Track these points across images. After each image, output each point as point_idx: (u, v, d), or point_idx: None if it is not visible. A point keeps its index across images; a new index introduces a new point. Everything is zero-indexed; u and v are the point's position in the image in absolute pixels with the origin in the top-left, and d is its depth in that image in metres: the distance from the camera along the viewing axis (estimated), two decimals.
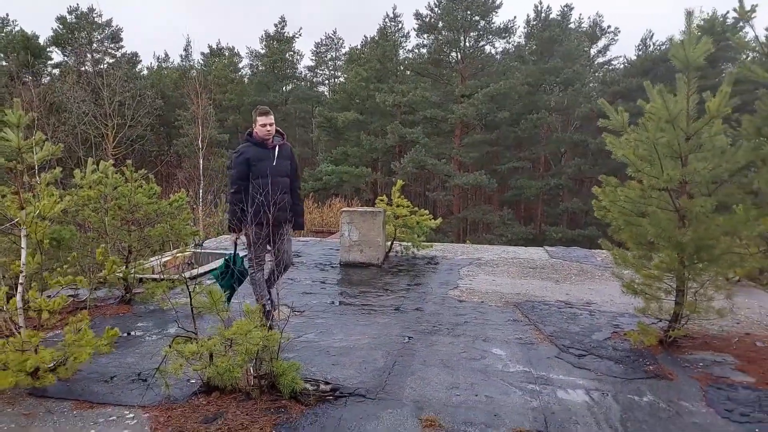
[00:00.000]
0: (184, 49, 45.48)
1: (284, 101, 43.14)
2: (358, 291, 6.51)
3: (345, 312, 5.62)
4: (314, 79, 47.39)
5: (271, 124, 4.66)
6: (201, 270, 7.20)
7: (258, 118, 4.69)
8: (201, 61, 46.22)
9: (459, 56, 35.12)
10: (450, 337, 4.84)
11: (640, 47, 37.52)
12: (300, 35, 44.15)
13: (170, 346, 3.39)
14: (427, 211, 8.47)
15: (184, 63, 46.66)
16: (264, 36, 43.97)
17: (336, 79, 45.62)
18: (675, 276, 4.71)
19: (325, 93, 45.14)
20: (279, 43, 43.18)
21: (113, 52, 40.48)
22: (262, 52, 44.08)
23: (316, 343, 4.63)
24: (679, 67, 4.66)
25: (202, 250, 8.47)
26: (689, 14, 4.82)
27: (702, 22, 26.38)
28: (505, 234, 30.80)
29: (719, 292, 4.66)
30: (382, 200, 8.39)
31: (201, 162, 21.18)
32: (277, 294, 4.63)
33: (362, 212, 7.96)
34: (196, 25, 76.67)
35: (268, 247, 4.75)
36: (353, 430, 3.15)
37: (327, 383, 3.69)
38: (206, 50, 46.25)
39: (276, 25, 43.52)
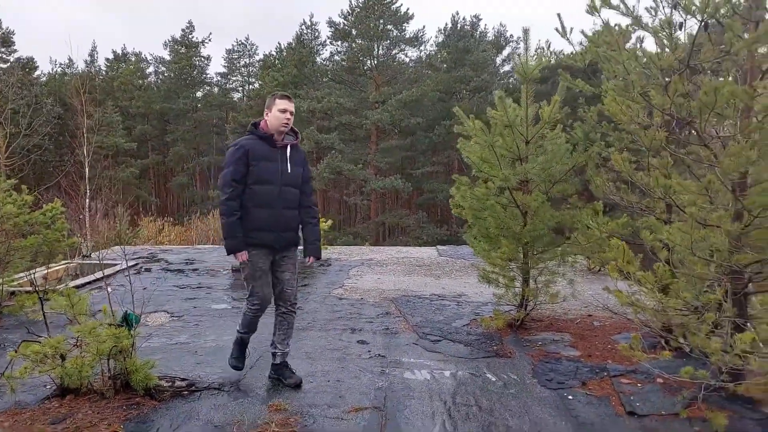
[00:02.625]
0: (89, 54, 43.13)
1: (194, 108, 42.04)
2: (243, 295, 6.66)
3: (224, 315, 5.77)
4: (227, 86, 46.50)
5: (292, 113, 3.62)
6: (82, 281, 7.06)
7: (277, 102, 3.59)
8: (105, 67, 44.15)
9: (373, 64, 35.85)
10: (320, 332, 5.13)
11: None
12: (210, 40, 43.33)
13: (16, 351, 3.43)
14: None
15: (89, 68, 44.40)
16: (170, 41, 42.66)
17: (250, 86, 45.04)
18: (520, 265, 5.28)
19: (237, 99, 44.40)
20: (186, 48, 42.09)
21: (5, 56, 37.81)
22: (168, 58, 42.76)
23: (187, 345, 4.77)
24: (520, 79, 5.26)
25: (89, 261, 8.27)
26: (526, 32, 5.44)
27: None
28: (421, 236, 31.73)
29: (555, 279, 5.28)
30: None
31: (87, 170, 20.31)
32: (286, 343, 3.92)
33: None
34: (102, 30, 72.83)
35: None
36: (201, 419, 3.35)
37: (184, 380, 3.86)
38: (110, 55, 44.13)
39: (183, 30, 42.38)
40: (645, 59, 3.12)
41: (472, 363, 4.43)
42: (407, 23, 35.42)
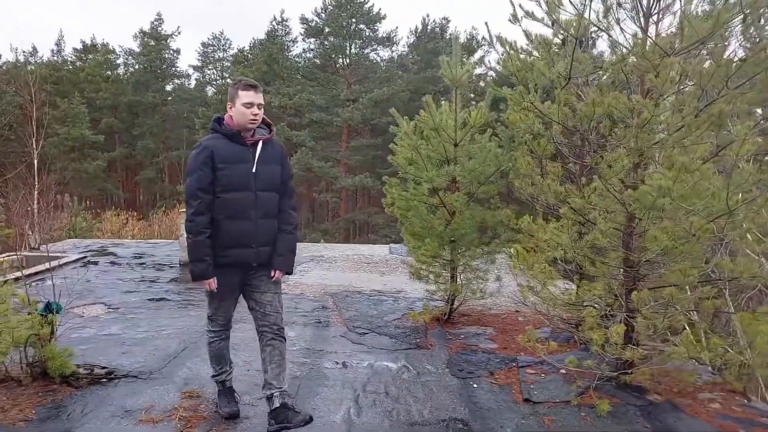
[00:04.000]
0: (56, 44, 42.19)
1: (163, 101, 41.52)
2: (185, 288, 6.78)
3: (161, 307, 5.87)
4: (201, 79, 46.03)
5: (260, 106, 3.00)
6: (27, 272, 7.05)
7: (241, 94, 2.96)
8: (73, 57, 43.23)
9: (345, 62, 35.93)
10: (251, 324, 5.26)
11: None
12: (178, 33, 42.72)
13: None
14: None
15: (55, 58, 43.42)
16: (139, 33, 42.06)
17: (224, 80, 44.64)
18: (448, 262, 5.51)
19: (211, 94, 43.98)
20: (156, 41, 41.54)
21: None
22: (138, 50, 42.13)
23: (117, 336, 4.86)
24: (449, 84, 5.49)
25: (36, 254, 8.24)
26: (456, 38, 5.67)
27: None
28: (389, 235, 31.95)
29: (481, 275, 5.52)
30: None
31: (36, 162, 20.01)
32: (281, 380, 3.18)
33: None
34: (69, 20, 71.07)
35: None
36: (113, 404, 3.47)
37: (103, 368, 3.98)
38: (79, 46, 43.24)
39: (152, 23, 41.81)
40: (536, 72, 3.36)
41: (392, 354, 4.64)
42: (379, 23, 35.61)
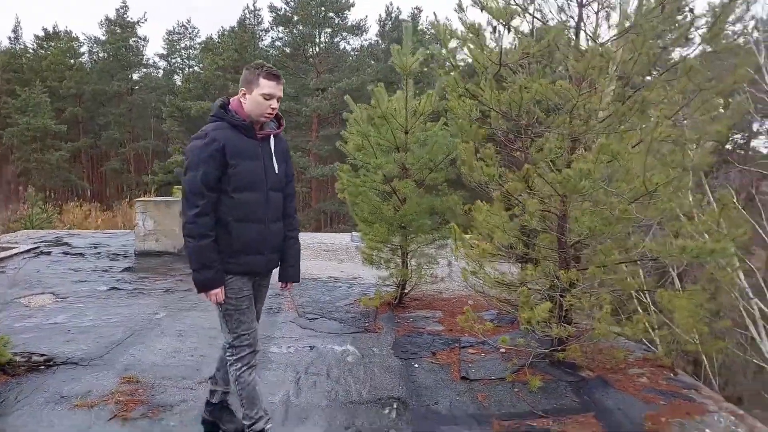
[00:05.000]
0: (13, 31, 40.77)
1: (129, 90, 40.62)
2: (138, 277, 6.72)
3: (111, 296, 5.82)
4: (167, 68, 45.09)
5: (279, 100, 2.66)
6: None
7: (262, 82, 2.58)
8: (34, 45, 41.86)
9: (315, 51, 35.63)
10: (202, 312, 5.29)
11: None
12: (145, 20, 41.77)
13: None
14: None
15: (13, 46, 42.00)
16: (104, 21, 40.95)
17: (190, 69, 43.83)
18: (398, 247, 5.60)
19: (179, 82, 43.15)
20: (122, 28, 40.51)
21: None
22: (103, 38, 41.04)
23: (61, 325, 4.81)
24: (400, 72, 5.53)
25: None
26: (407, 27, 5.71)
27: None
28: None
29: (431, 260, 5.63)
30: (179, 189, 8.58)
31: None
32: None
33: (156, 202, 8.13)
34: (26, 6, 68.50)
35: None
36: (49, 391, 3.46)
37: (42, 355, 3.95)
38: (40, 33, 41.87)
39: (117, 10, 40.72)
40: (471, 59, 3.44)
41: (339, 338, 4.71)
42: (348, 11, 35.36)
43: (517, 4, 3.16)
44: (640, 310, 3.71)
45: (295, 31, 35.42)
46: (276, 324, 5.01)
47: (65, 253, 8.09)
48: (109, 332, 4.62)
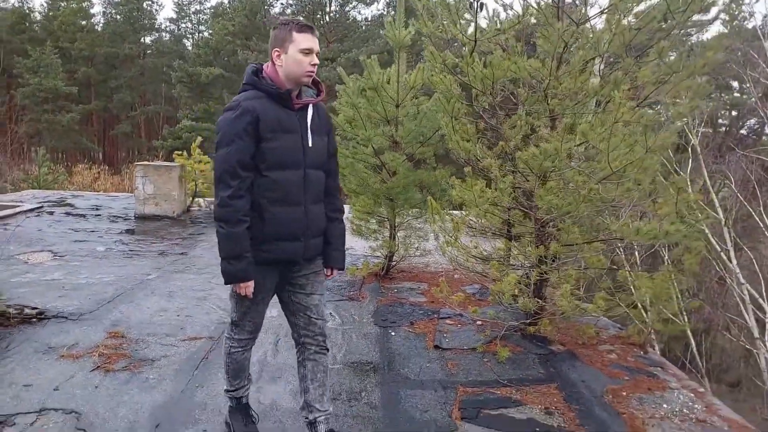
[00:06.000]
0: None
1: (141, 54, 40.49)
2: (135, 239, 6.91)
3: (107, 256, 6.01)
4: (176, 32, 44.78)
5: (318, 54, 2.37)
6: None
7: (296, 36, 2.30)
8: (45, 4, 41.68)
9: (325, 20, 35.22)
10: (194, 275, 5.45)
11: None
12: None
13: None
14: None
15: (21, 5, 41.85)
16: None
17: (200, 34, 43.53)
18: (386, 219, 5.71)
19: (189, 48, 42.92)
20: None
21: None
22: (117, 0, 40.77)
23: (57, 281, 5.01)
24: (393, 45, 5.56)
25: None
26: (401, 1, 5.70)
27: None
28: None
29: (419, 233, 5.74)
30: (180, 155, 8.72)
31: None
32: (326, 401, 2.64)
33: (157, 166, 8.28)
34: None
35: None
36: (38, 341, 3.65)
37: (34, 308, 4.14)
38: None
39: None
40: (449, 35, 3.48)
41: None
42: None
43: None
44: (613, 288, 3.80)
45: None
46: None
47: (68, 214, 8.29)
48: (101, 290, 4.81)
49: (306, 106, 2.41)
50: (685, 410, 3.30)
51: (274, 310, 4.59)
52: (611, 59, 3.43)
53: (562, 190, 3.27)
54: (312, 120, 2.42)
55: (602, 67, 3.93)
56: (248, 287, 2.37)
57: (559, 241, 3.61)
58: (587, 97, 3.47)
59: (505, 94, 3.52)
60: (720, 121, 26.45)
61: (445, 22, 3.40)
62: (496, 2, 3.91)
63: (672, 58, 3.10)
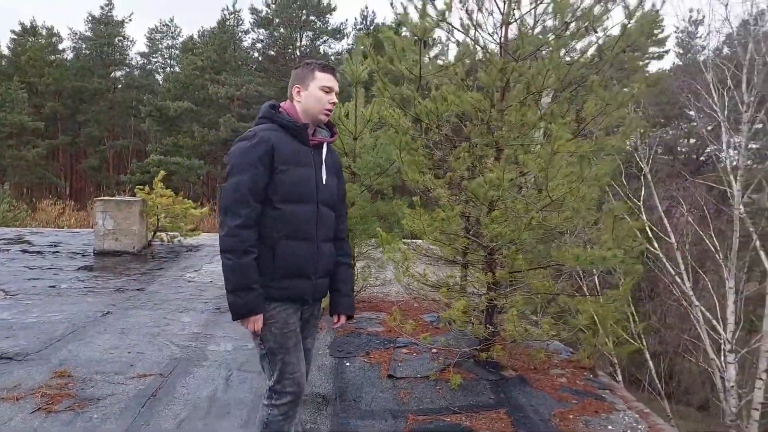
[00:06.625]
0: None
1: (112, 88, 40.30)
2: (92, 276, 6.79)
3: (61, 294, 5.89)
4: (148, 67, 44.81)
5: (337, 95, 2.41)
6: None
7: (318, 75, 2.34)
8: (13, 39, 41.32)
9: (296, 54, 35.75)
10: (149, 311, 5.38)
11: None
12: (130, 20, 41.50)
13: None
14: (191, 201, 8.93)
15: None
16: (89, 18, 40.60)
17: (171, 68, 43.65)
18: None
19: (159, 82, 42.93)
20: (106, 26, 40.21)
21: None
22: (88, 35, 40.70)
23: (5, 321, 4.88)
24: (351, 80, 5.72)
25: None
26: (360, 37, 5.89)
27: None
28: None
29: (377, 264, 5.80)
30: (142, 189, 8.66)
31: None
32: None
33: (117, 201, 8.21)
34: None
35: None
36: None
37: None
38: (17, 27, 41.36)
39: (102, 8, 40.40)
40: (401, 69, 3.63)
41: None
42: (330, 15, 35.58)
43: (437, 20, 3.36)
44: (559, 313, 3.91)
45: (276, 33, 35.53)
46: (219, 324, 5.12)
47: (23, 251, 8.12)
48: (51, 329, 4.71)
49: (321, 144, 2.41)
50: (629, 431, 3.39)
51: (228, 344, 4.60)
52: (557, 94, 3.61)
53: (507, 218, 3.38)
54: (326, 158, 2.41)
55: (548, 100, 4.13)
56: (257, 321, 2.23)
57: (506, 268, 3.71)
58: (529, 129, 3.64)
59: (452, 127, 3.66)
60: (680, 149, 27.45)
61: (392, 59, 3.55)
62: (449, 39, 4.12)
63: (613, 90, 3.29)
